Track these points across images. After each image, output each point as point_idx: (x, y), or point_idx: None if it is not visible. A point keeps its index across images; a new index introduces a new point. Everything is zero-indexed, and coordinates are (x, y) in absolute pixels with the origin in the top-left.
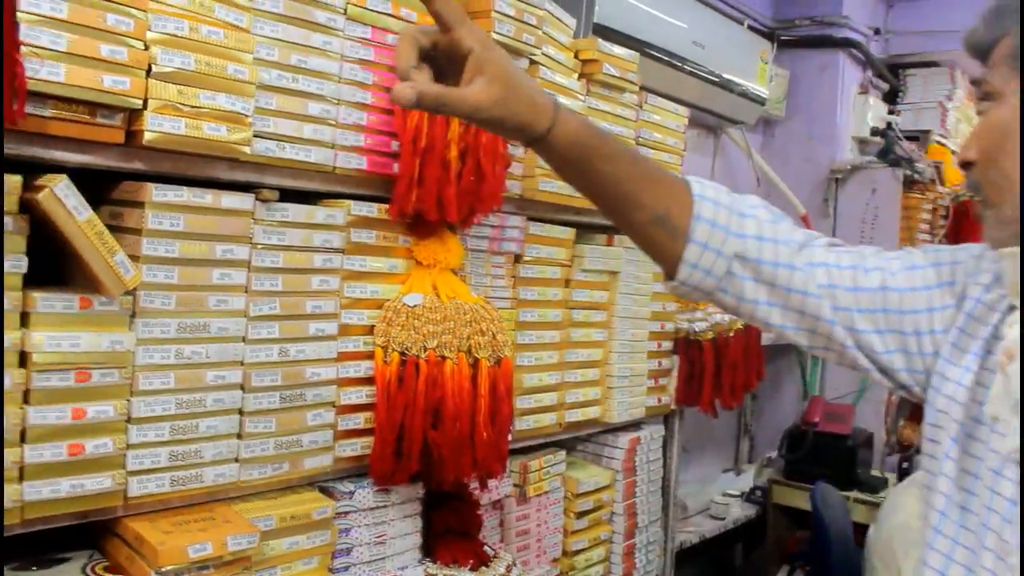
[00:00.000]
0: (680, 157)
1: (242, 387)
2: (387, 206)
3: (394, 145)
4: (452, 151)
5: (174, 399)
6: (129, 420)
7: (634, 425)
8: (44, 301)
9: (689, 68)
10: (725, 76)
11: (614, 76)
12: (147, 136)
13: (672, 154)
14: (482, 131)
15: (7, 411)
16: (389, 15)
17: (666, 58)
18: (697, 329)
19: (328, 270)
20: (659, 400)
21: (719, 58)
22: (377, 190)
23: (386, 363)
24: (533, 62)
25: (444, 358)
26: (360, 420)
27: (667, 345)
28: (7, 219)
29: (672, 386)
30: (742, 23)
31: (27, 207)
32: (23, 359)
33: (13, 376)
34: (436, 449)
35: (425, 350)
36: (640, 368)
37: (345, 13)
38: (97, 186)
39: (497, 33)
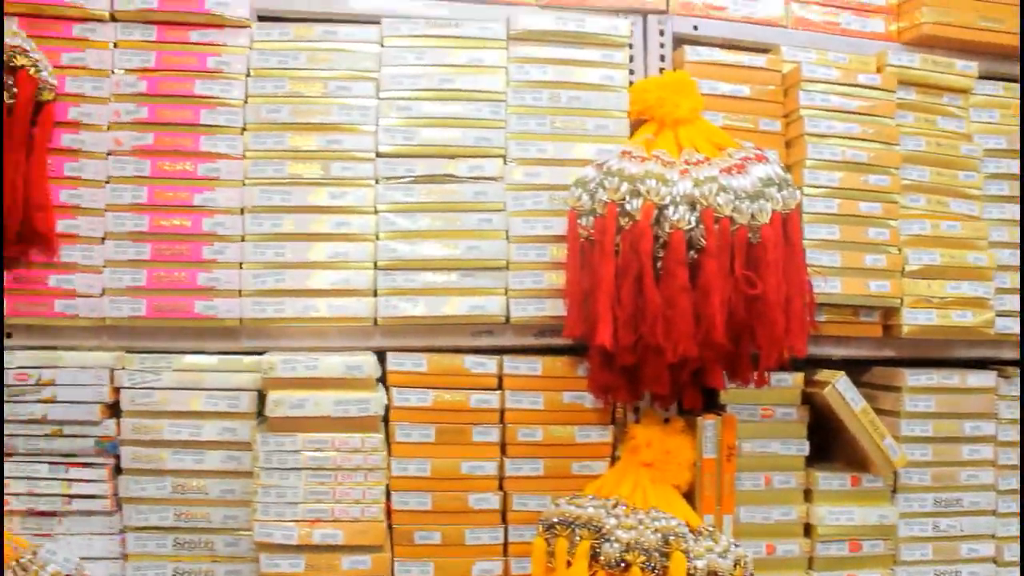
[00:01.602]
0: None
1: (994, 560)
2: None
3: None
4: None
5: (932, 570)
6: None
7: None
8: (824, 480)
9: None
10: None
11: None
12: (905, 329)
13: None
14: None
15: (793, 574)
16: None
17: None
18: None
19: None
20: None
21: None
22: None
23: None
24: None
25: None
26: None
27: None
28: (792, 410)
29: None
30: None
31: (806, 398)
32: (807, 530)
33: (800, 544)
34: None
35: None
36: None
37: None
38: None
39: None
